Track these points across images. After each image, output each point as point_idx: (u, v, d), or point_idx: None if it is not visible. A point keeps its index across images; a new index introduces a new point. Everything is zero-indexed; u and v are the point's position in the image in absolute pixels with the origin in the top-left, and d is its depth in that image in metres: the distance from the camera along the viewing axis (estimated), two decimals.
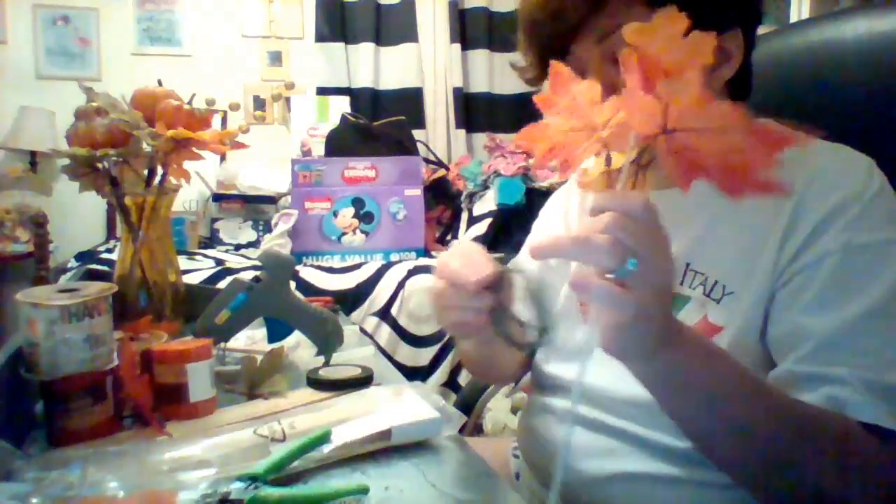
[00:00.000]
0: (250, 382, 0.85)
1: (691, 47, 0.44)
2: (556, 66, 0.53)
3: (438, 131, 3.57)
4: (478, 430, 1.87)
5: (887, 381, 0.57)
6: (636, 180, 0.49)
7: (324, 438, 0.66)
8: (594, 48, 0.68)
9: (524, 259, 0.93)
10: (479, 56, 3.60)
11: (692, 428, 0.59)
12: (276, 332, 0.92)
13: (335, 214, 2.49)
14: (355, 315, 2.19)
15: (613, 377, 0.74)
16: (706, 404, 0.56)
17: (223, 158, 3.22)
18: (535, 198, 2.61)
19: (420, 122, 3.51)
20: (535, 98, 0.54)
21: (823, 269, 0.62)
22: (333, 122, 2.97)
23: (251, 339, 1.01)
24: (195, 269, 2.20)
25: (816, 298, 0.62)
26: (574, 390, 0.49)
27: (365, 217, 2.50)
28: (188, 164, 0.97)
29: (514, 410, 2.04)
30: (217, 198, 3.00)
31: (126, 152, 0.95)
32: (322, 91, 3.40)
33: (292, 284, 0.97)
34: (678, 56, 0.44)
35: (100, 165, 0.96)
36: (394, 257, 2.47)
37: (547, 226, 0.94)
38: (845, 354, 0.59)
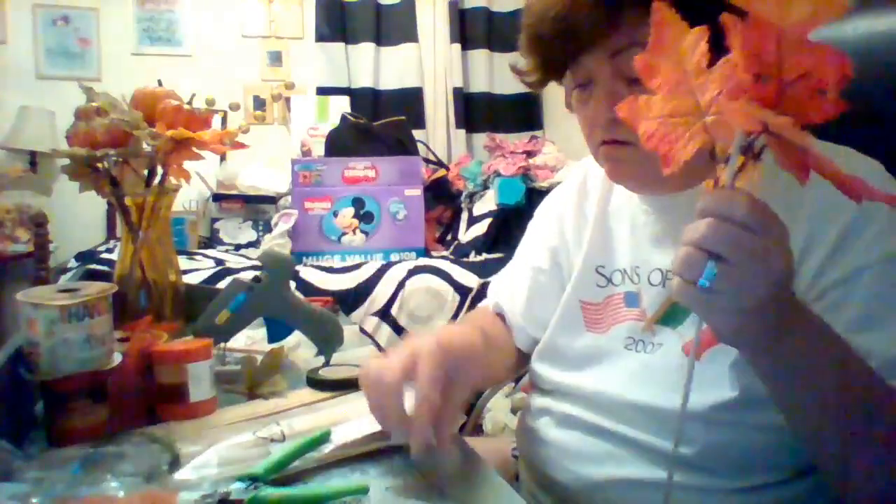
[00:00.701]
0: (250, 382, 0.85)
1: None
2: (661, 9, 0.45)
3: (438, 131, 3.57)
4: (478, 430, 1.87)
5: None
6: (745, 172, 0.43)
7: (324, 438, 0.66)
8: (605, 62, 0.66)
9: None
10: (479, 56, 3.59)
11: (804, 421, 0.57)
12: (276, 332, 0.92)
13: (335, 214, 2.49)
14: (355, 315, 2.19)
15: (614, 381, 0.74)
16: (822, 398, 0.54)
17: (223, 158, 3.22)
18: (535, 198, 2.61)
19: (420, 122, 3.51)
20: (636, 60, 0.47)
21: (863, 282, 0.60)
22: (333, 122, 2.97)
23: (251, 339, 1.01)
24: (195, 269, 2.20)
25: (864, 314, 0.60)
26: (683, 404, 0.48)
27: (365, 217, 2.50)
28: (188, 164, 0.97)
29: (514, 410, 2.04)
30: (217, 198, 3.00)
31: (126, 152, 0.95)
32: (322, 91, 3.40)
33: (292, 284, 0.97)
34: (800, 13, 0.37)
35: (100, 165, 0.96)
36: (394, 257, 2.47)
37: (542, 228, 0.93)
38: None
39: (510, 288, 0.94)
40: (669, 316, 0.72)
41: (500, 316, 0.94)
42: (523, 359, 0.92)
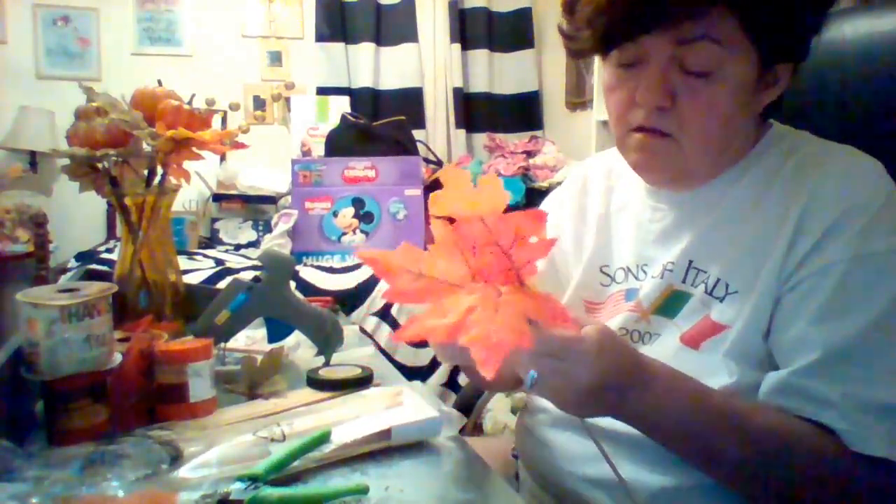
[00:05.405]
0: (250, 382, 0.85)
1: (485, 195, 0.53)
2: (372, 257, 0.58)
3: (438, 131, 3.57)
4: (478, 429, 1.87)
5: (879, 398, 0.59)
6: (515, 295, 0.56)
7: (324, 438, 0.66)
8: (668, 47, 0.64)
9: None
10: (479, 56, 3.60)
11: (674, 452, 0.65)
12: (276, 332, 0.92)
13: (335, 214, 2.49)
14: (355, 315, 2.19)
15: None
16: (676, 441, 0.64)
17: (223, 158, 3.22)
18: (535, 198, 2.61)
19: (420, 122, 3.51)
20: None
21: (829, 278, 0.62)
22: (333, 122, 2.97)
23: (251, 339, 1.01)
24: (195, 269, 2.20)
25: (821, 308, 0.62)
26: None
27: (365, 217, 2.50)
28: (188, 164, 0.97)
29: (513, 410, 2.04)
30: (217, 198, 2.99)
31: (126, 152, 0.95)
32: (322, 91, 3.40)
33: (292, 284, 0.97)
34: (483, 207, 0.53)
35: (100, 165, 0.96)
36: None
37: (558, 221, 0.91)
38: (843, 368, 0.60)
39: None
40: (666, 305, 0.72)
41: None
42: None
